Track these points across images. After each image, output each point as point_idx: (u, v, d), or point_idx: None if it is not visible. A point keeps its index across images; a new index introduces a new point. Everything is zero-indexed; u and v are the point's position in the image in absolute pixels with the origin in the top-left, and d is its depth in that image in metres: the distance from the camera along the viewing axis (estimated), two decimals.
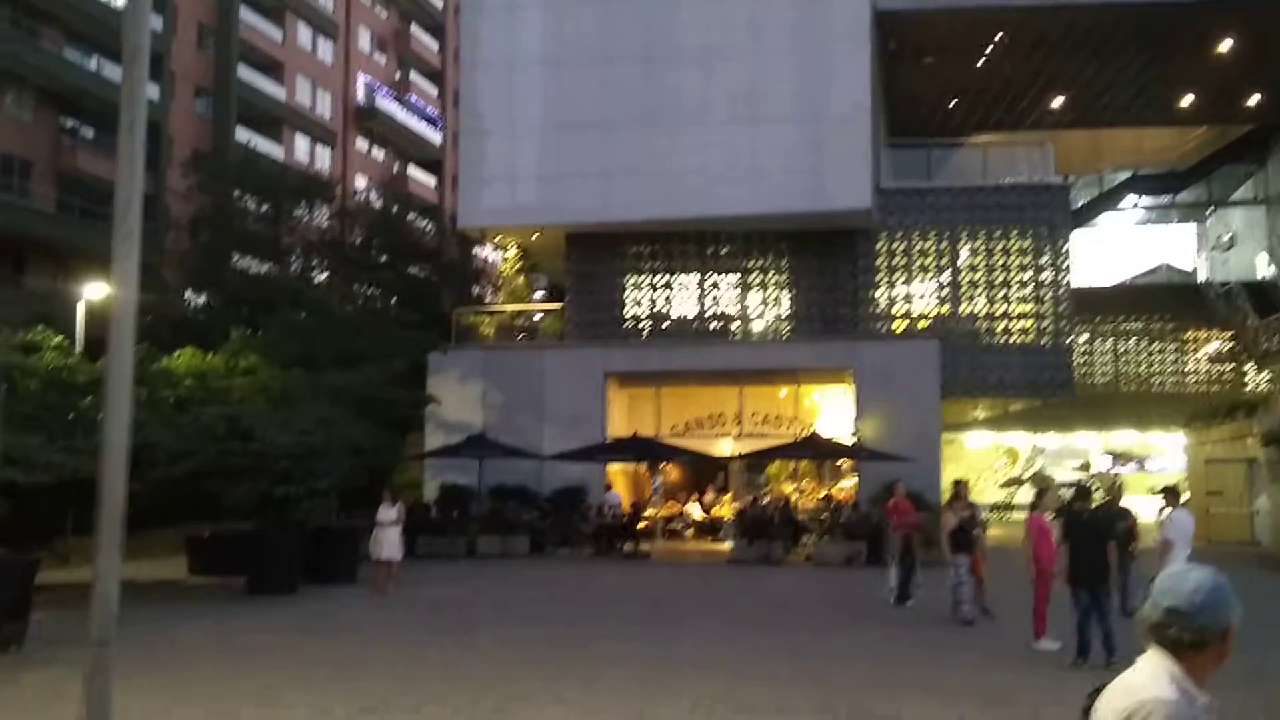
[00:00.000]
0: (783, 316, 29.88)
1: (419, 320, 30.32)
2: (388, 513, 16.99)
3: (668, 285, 30.38)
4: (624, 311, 30.35)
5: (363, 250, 37.68)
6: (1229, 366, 34.96)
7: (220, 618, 13.90)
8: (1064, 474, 33.01)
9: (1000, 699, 8.75)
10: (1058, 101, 34.40)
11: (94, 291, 24.32)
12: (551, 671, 9.98)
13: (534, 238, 31.79)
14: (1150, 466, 33.12)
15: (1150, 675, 2.65)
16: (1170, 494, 12.28)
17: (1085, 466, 33.57)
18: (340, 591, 16.96)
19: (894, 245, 29.22)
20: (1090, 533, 10.80)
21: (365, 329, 26.29)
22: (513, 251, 37.67)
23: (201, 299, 35.32)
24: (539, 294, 39.68)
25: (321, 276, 36.95)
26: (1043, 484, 13.10)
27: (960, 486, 15.01)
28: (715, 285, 30.24)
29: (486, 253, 43.26)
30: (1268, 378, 31.61)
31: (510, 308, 33.98)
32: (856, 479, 27.20)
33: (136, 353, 15.33)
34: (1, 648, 10.83)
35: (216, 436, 16.59)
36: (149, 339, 22.09)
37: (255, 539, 17.04)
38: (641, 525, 25.77)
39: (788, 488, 29.02)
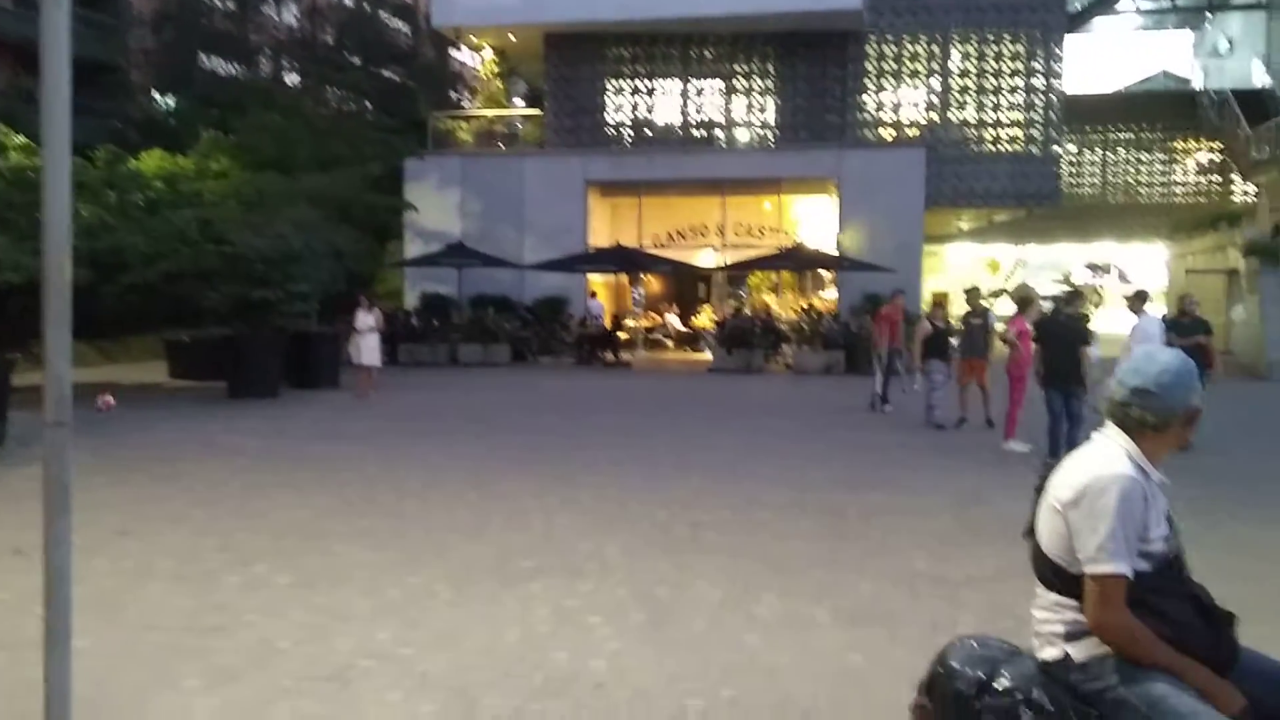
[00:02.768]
0: (768, 124, 29.20)
1: (394, 125, 29.48)
2: (365, 319, 16.97)
3: (650, 91, 29.54)
4: (605, 118, 29.59)
5: (335, 51, 36.32)
6: (1217, 178, 34.63)
7: (202, 420, 14.00)
8: (1045, 286, 33.06)
9: (967, 497, 8.94)
10: None
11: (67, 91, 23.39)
12: (532, 470, 10.13)
13: (511, 39, 30.60)
14: (1131, 279, 33.21)
15: (1107, 453, 2.65)
16: (1136, 300, 12.14)
17: (1066, 279, 33.62)
18: (322, 396, 17.09)
19: (884, 49, 28.32)
20: (1064, 336, 10.83)
21: (339, 132, 25.55)
22: (490, 55, 36.38)
23: (170, 101, 34.18)
24: (518, 100, 38.59)
25: (293, 79, 35.74)
26: (1024, 294, 12.98)
27: (941, 297, 15.12)
28: (699, 91, 29.40)
29: (464, 56, 41.84)
30: (1254, 189, 31.35)
31: (489, 113, 33.05)
32: (837, 289, 27.25)
33: (105, 154, 14.85)
34: None
35: (189, 240, 16.30)
36: (116, 141, 21.47)
37: (235, 343, 17.00)
38: (623, 335, 25.88)
39: (769, 298, 29.10)
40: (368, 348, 16.93)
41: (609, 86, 29.53)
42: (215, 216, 17.34)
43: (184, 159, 21.67)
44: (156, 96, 34.55)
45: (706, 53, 29.07)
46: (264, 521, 7.82)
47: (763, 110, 29.23)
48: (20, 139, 15.90)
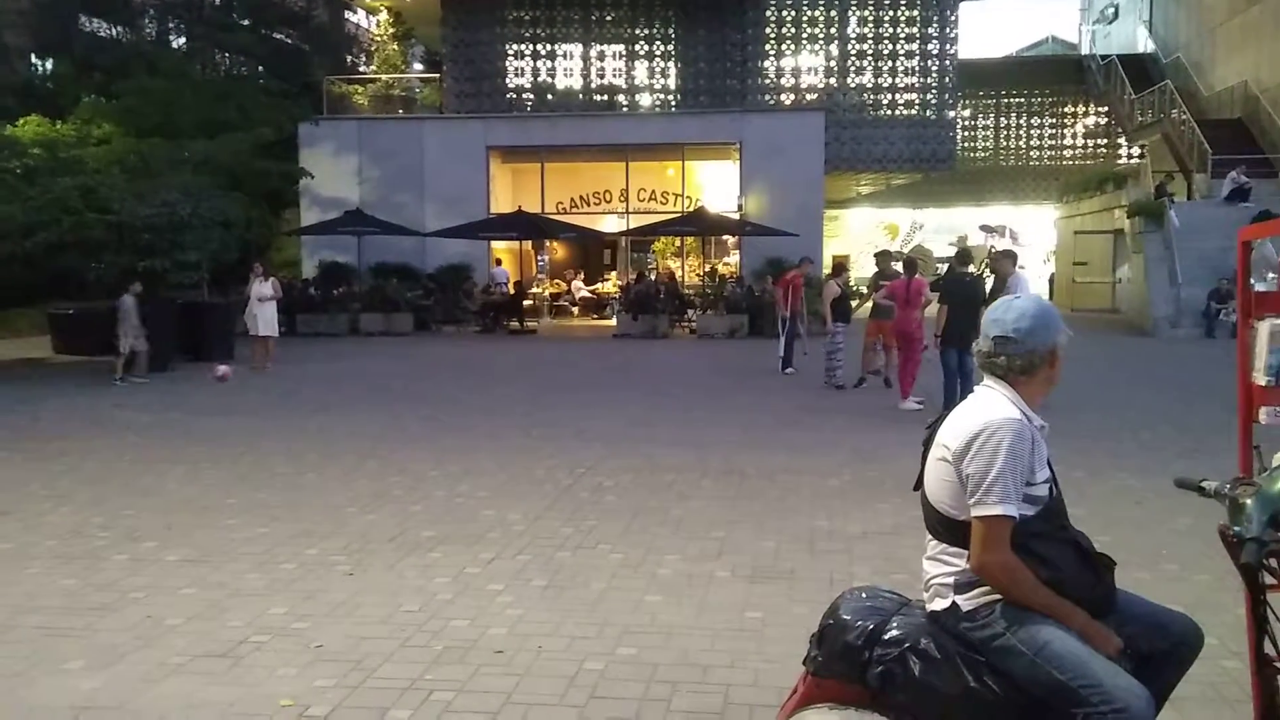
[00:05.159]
0: (670, 89, 29.16)
1: (287, 90, 28.61)
2: (262, 288, 16.51)
3: (551, 55, 29.24)
4: (506, 83, 29.21)
5: (222, 13, 35.03)
6: (1104, 141, 35.72)
7: (89, 395, 13.51)
8: (941, 249, 33.77)
9: (865, 456, 9.11)
10: None
11: None
12: (434, 440, 10.01)
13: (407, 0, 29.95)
14: (1023, 240, 34.12)
15: (990, 400, 2.71)
16: (1005, 259, 12.15)
17: (961, 240, 34.40)
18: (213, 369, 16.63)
19: (782, 14, 28.47)
20: (965, 295, 11.06)
21: (228, 96, 24.70)
22: (385, 16, 35.53)
23: (47, 65, 32.65)
24: (416, 65, 37.83)
25: (179, 41, 34.42)
26: (918, 255, 13.24)
27: (842, 260, 15.36)
28: (601, 55, 29.20)
29: (359, 19, 40.81)
30: (1138, 152, 32.42)
31: (385, 77, 32.32)
32: (739, 254, 27.45)
33: None
34: None
35: (71, 209, 15.63)
36: None
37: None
38: (527, 303, 25.70)
39: (673, 263, 29.17)
40: (264, 318, 16.49)
41: (509, 51, 29.15)
42: (98, 184, 16.65)
43: (63, 125, 20.76)
44: (34, 60, 32.97)
45: (607, 16, 28.86)
46: (154, 498, 7.58)
47: (665, 75, 29.17)
48: None
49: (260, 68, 33.67)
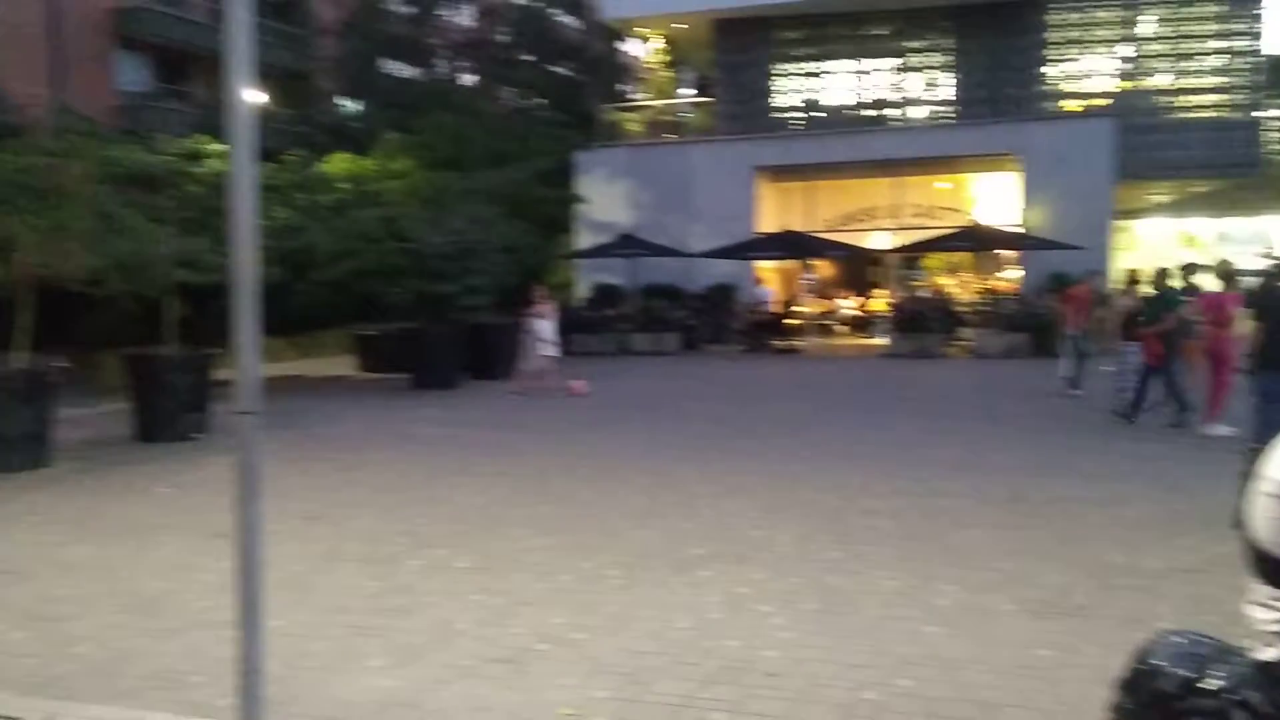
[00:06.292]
0: (944, 100, 28.29)
1: (565, 119, 29.97)
2: (539, 310, 17.25)
3: (820, 73, 29.07)
4: (774, 103, 29.29)
5: (508, 49, 37.20)
6: None
7: (386, 410, 14.58)
8: (1247, 261, 30.85)
9: (1164, 485, 8.40)
10: None
11: (252, 99, 24.80)
12: (701, 457, 10.10)
13: (680, 27, 30.64)
14: None
15: None
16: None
17: (1269, 253, 31.28)
18: (499, 387, 17.51)
19: (1067, 16, 26.98)
20: None
21: (512, 129, 26.16)
22: (658, 44, 36.53)
23: (354, 105, 35.76)
24: (686, 89, 38.63)
25: (468, 78, 36.83)
26: (1226, 269, 12.09)
27: (1134, 274, 14.30)
28: (871, 71, 28.74)
29: (632, 49, 42.14)
30: None
31: (657, 103, 33.20)
32: (1021, 270, 26.19)
33: (296, 158, 15.64)
34: (186, 437, 11.65)
35: (373, 238, 16.98)
36: (305, 145, 22.60)
37: (418, 336, 17.65)
38: (793, 322, 25.57)
39: (946, 281, 28.20)
40: (542, 339, 17.22)
41: (778, 70, 29.23)
42: (397, 215, 18.02)
43: (367, 160, 22.60)
44: (342, 101, 36.21)
45: (879, 31, 28.39)
46: (444, 508, 8.06)
47: (938, 86, 28.34)
48: (218, 146, 16.91)
49: (540, 99, 35.46)
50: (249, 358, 3.52)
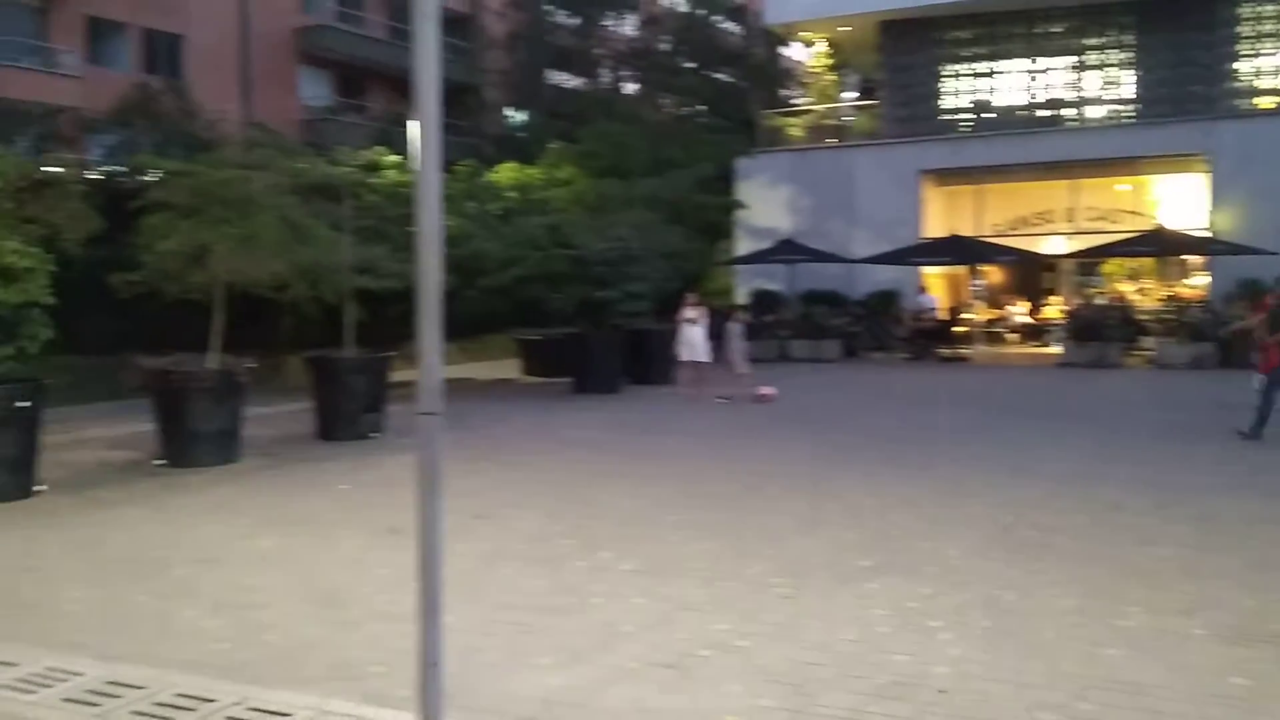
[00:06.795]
0: (1124, 99, 27.03)
1: (726, 126, 30.01)
2: (692, 315, 17.23)
3: (990, 73, 28.21)
4: (941, 104, 28.58)
5: (670, 57, 37.49)
6: None
7: (549, 413, 14.87)
8: None
9: None
10: None
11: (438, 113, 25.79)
12: (864, 467, 9.93)
13: (845, 30, 30.25)
14: None
15: None
16: None
17: None
18: (658, 392, 17.63)
19: (1259, 8, 25.38)
20: None
21: (673, 136, 26.35)
22: (821, 48, 36.17)
23: (521, 115, 36.71)
24: (849, 93, 38.13)
25: (631, 87, 37.29)
26: None
27: None
28: (1045, 70, 27.71)
29: (794, 53, 41.86)
30: None
31: (819, 107, 32.86)
32: (1208, 276, 24.76)
33: (466, 168, 16.17)
34: (364, 436, 12.17)
35: (539, 245, 17.38)
36: (474, 155, 23.32)
37: (579, 341, 17.96)
38: (960, 329, 24.85)
39: (1126, 287, 26.90)
40: (695, 344, 17.18)
41: (946, 72, 28.51)
42: (561, 222, 18.38)
43: (533, 169, 23.15)
44: (509, 112, 37.23)
45: (1054, 29, 27.36)
46: (607, 509, 8.16)
47: (1118, 85, 27.10)
48: (394, 158, 17.62)
49: (702, 105, 35.61)
50: (432, 360, 3.64)
